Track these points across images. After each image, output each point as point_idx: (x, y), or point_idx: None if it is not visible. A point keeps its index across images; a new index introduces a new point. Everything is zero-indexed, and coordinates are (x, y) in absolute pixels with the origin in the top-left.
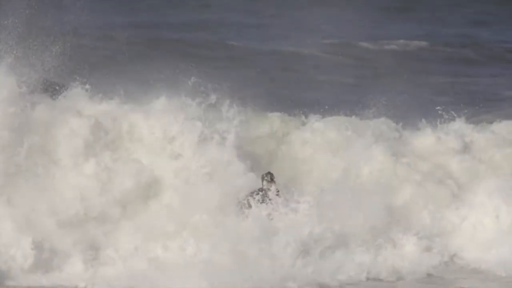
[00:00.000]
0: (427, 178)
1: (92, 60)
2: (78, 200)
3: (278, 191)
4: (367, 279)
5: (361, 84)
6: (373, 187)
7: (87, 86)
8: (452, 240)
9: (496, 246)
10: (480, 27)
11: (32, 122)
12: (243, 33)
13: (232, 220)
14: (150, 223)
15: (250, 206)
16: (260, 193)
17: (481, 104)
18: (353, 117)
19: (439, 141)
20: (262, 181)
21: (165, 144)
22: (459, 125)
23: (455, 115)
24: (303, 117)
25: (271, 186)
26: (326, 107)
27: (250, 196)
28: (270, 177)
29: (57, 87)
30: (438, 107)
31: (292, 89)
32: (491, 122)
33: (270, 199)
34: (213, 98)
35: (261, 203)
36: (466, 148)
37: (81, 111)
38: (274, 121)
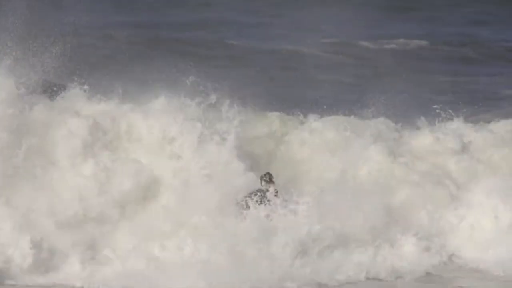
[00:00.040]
0: (426, 178)
1: (91, 60)
2: (76, 201)
3: (277, 192)
4: (366, 278)
5: (360, 84)
6: (372, 187)
7: (86, 87)
8: (451, 240)
9: (494, 246)
10: (479, 26)
11: (30, 123)
12: (243, 32)
13: (230, 220)
14: (148, 224)
15: (248, 207)
16: (259, 193)
17: (481, 103)
18: (352, 117)
19: (437, 141)
20: (261, 181)
21: (164, 145)
22: (457, 124)
23: (453, 114)
24: (302, 117)
25: (269, 187)
26: (325, 106)
27: (248, 197)
28: (268, 178)
29: (55, 88)
30: (437, 107)
31: (292, 88)
32: (490, 121)
33: (268, 200)
34: (212, 98)
35: (259, 204)
36: (464, 148)
37: (79, 112)
38: (273, 121)
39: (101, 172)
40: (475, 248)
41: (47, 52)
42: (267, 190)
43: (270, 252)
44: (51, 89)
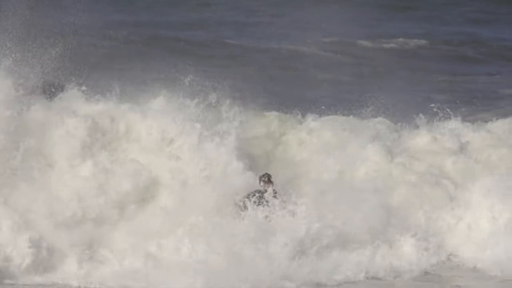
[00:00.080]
0: (423, 178)
1: (90, 59)
2: (75, 201)
3: (275, 192)
4: (365, 278)
5: (359, 83)
6: (370, 187)
7: (84, 88)
8: (449, 240)
9: (492, 246)
10: (479, 25)
11: (28, 124)
12: (242, 31)
13: (228, 221)
14: (146, 224)
15: (246, 208)
16: (257, 194)
17: (479, 103)
18: (351, 116)
19: (435, 141)
20: (260, 182)
21: (163, 145)
22: (455, 124)
23: (450, 113)
24: (300, 117)
25: (268, 187)
26: (323, 107)
27: (247, 198)
28: (267, 178)
29: (52, 89)
30: (436, 106)
31: (291, 87)
32: (488, 121)
33: (267, 201)
34: (211, 97)
35: (257, 205)
36: (462, 148)
37: (77, 112)
38: (272, 120)
39: (100, 173)
40: (473, 248)
41: (46, 53)
42: (266, 191)
43: (268, 252)
44: (50, 90)
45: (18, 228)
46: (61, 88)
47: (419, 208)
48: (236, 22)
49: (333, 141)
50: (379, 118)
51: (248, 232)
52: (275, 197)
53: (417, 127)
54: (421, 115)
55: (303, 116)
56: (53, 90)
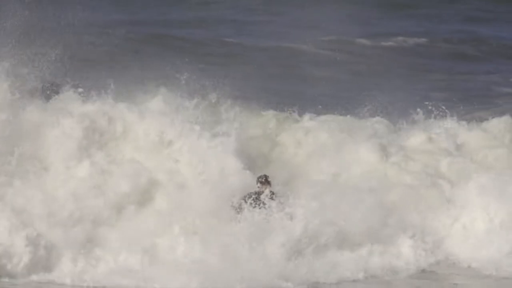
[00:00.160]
0: (420, 178)
1: (88, 59)
2: (71, 201)
3: (272, 194)
4: (363, 277)
5: (357, 81)
6: (367, 187)
7: (80, 90)
8: (445, 239)
9: (488, 245)
10: (478, 23)
11: (25, 126)
12: (241, 30)
13: (225, 222)
14: (143, 224)
15: (242, 210)
16: (253, 196)
17: (477, 101)
18: (348, 116)
19: (431, 141)
20: (257, 183)
21: (161, 146)
22: (451, 123)
23: (447, 111)
24: (298, 116)
25: (265, 189)
26: (320, 106)
27: (243, 199)
28: (264, 179)
29: (48, 92)
30: (433, 105)
31: (289, 85)
32: (484, 120)
33: (263, 203)
34: (211, 97)
35: (254, 207)
36: (457, 148)
37: (74, 112)
38: (269, 120)
39: (97, 173)
40: (469, 247)
41: (45, 54)
42: (262, 192)
43: (266, 251)
44: (51, 89)
45: (16, 226)
46: (58, 88)
47: (416, 208)
48: (235, 21)
49: (329, 142)
50: (377, 118)
51: (244, 232)
52: (272, 198)
53: (413, 126)
54: (418, 114)
55: (301, 115)
56: (48, 93)
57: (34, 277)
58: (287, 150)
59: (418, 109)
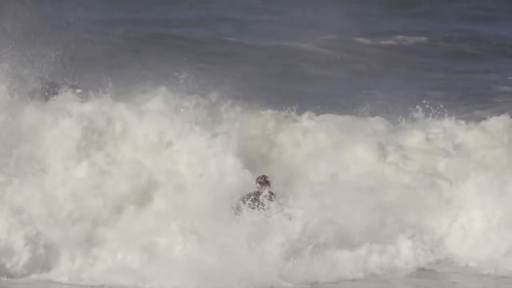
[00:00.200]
0: (418, 178)
1: (88, 57)
2: (70, 201)
3: (271, 194)
4: (363, 276)
5: (357, 80)
6: (365, 187)
7: (78, 90)
8: (443, 239)
9: (486, 244)
10: (478, 22)
11: (24, 126)
12: (241, 29)
13: (224, 222)
14: (141, 223)
15: (240, 211)
16: (252, 197)
17: (476, 100)
18: (347, 115)
19: (429, 141)
20: (256, 183)
21: (160, 146)
22: (450, 122)
23: (445, 111)
24: (297, 115)
25: (264, 189)
26: (318, 107)
27: (241, 200)
28: (263, 180)
29: (46, 93)
30: (432, 104)
31: (288, 84)
32: (483, 119)
33: (262, 204)
34: (210, 96)
35: (252, 208)
36: (455, 147)
37: (72, 112)
38: (268, 120)
39: (96, 173)
40: (467, 247)
41: (45, 56)
42: (261, 193)
43: (265, 251)
44: (46, 92)
45: (14, 226)
46: (56, 89)
47: (414, 207)
48: (235, 20)
49: (328, 142)
50: (376, 117)
51: (243, 232)
52: (270, 199)
53: (412, 126)
54: (417, 111)
55: (299, 114)
56: (46, 94)
57: (33, 276)
58: (286, 150)
59: (418, 106)
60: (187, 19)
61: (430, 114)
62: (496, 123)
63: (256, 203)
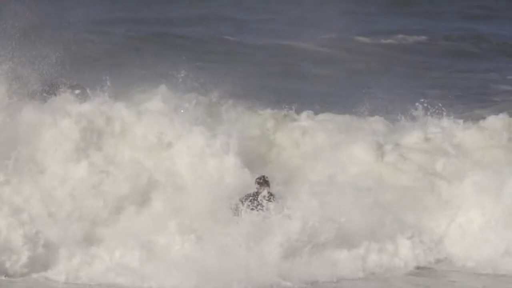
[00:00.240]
0: (417, 177)
1: (88, 57)
2: (69, 200)
3: (270, 195)
4: (362, 276)
5: (357, 79)
6: (364, 187)
7: (77, 91)
8: (442, 238)
9: (484, 244)
10: (478, 21)
11: (23, 127)
12: (241, 28)
13: (223, 222)
14: (141, 223)
15: (239, 212)
16: (250, 198)
17: (476, 99)
18: (347, 115)
19: (428, 140)
20: (256, 184)
21: (159, 146)
22: (448, 122)
23: (443, 109)
24: (296, 115)
25: (263, 190)
26: (318, 106)
27: (240, 201)
28: (262, 180)
29: (44, 94)
30: (431, 103)
31: (288, 83)
32: (482, 117)
33: (261, 205)
34: (211, 95)
35: (251, 209)
36: (454, 146)
37: (71, 112)
38: (267, 119)
39: (95, 173)
40: (465, 246)
41: (45, 57)
42: (260, 193)
43: (265, 250)
44: (44, 93)
45: (13, 225)
46: (57, 88)
47: (413, 207)
48: (235, 19)
49: (327, 142)
50: (376, 117)
51: (242, 231)
52: (269, 200)
53: (411, 125)
54: (417, 109)
55: (298, 113)
56: (44, 95)
57: (32, 275)
58: (284, 150)
59: (417, 104)
60: (188, 18)
61: (428, 113)
62: (494, 122)
63: (255, 204)
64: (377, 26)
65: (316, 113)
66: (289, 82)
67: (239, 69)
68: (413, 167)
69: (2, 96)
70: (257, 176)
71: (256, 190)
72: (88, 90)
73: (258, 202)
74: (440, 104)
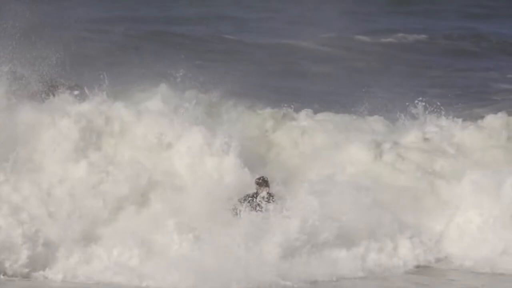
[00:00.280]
0: (416, 176)
1: (87, 56)
2: (68, 199)
3: (270, 196)
4: (362, 274)
5: (357, 78)
6: (363, 187)
7: (76, 92)
8: (441, 237)
9: (482, 243)
10: (478, 19)
11: (23, 126)
12: (241, 27)
13: (223, 222)
14: (140, 222)
15: (238, 212)
16: (249, 199)
17: (476, 97)
18: (346, 114)
19: (426, 140)
20: (255, 185)
21: (159, 146)
22: (448, 121)
23: (442, 108)
24: (294, 113)
25: (262, 191)
26: (317, 106)
27: (238, 202)
28: (262, 181)
29: (43, 95)
30: (430, 102)
31: (288, 82)
32: (482, 116)
33: (260, 206)
34: (211, 95)
35: (250, 210)
36: (453, 146)
37: (71, 112)
38: (266, 119)
39: (95, 173)
40: (464, 246)
41: (46, 58)
42: (259, 194)
43: (264, 250)
44: (43, 94)
45: (12, 224)
46: (56, 89)
47: (412, 206)
48: (235, 18)
49: (325, 142)
50: (375, 116)
51: (241, 231)
52: (268, 201)
53: (410, 124)
54: (417, 108)
55: (297, 112)
56: (43, 95)
57: (31, 274)
58: (283, 150)
59: (416, 101)
60: (188, 17)
61: (427, 112)
62: (493, 121)
63: (254, 205)
64: (377, 25)
65: (316, 112)
66: (289, 81)
67: (239, 68)
68: (412, 166)
69: (1, 97)
70: (257, 176)
71: (255, 191)
72: (86, 89)
73: (257, 203)
74: (438, 103)
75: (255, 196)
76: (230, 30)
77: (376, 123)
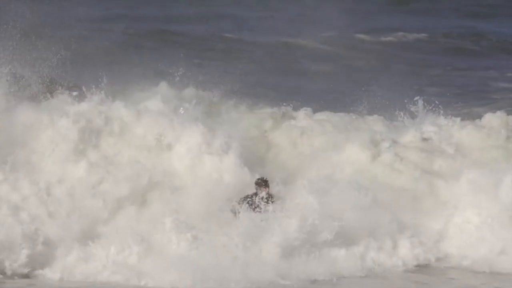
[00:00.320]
0: (415, 176)
1: (87, 55)
2: (67, 199)
3: (270, 196)
4: (362, 273)
5: (356, 76)
6: (362, 187)
7: (75, 93)
8: (440, 237)
9: (481, 243)
10: (478, 18)
11: (21, 127)
12: (241, 25)
13: (222, 222)
14: (138, 221)
15: (238, 213)
16: (248, 199)
17: (475, 96)
18: (345, 113)
19: (425, 140)
20: (255, 185)
21: (158, 147)
22: (446, 120)
23: (440, 107)
24: (293, 112)
25: (261, 192)
26: (317, 104)
27: (238, 203)
28: (261, 182)
29: (40, 96)
30: (430, 101)
31: (288, 81)
32: (481, 115)
33: (259, 207)
34: (211, 94)
35: (250, 211)
36: (452, 145)
37: (69, 112)
38: (265, 119)
39: (94, 173)
40: (463, 245)
41: (46, 59)
42: (258, 195)
43: (263, 250)
44: (44, 94)
45: (12, 223)
46: (54, 90)
47: (411, 205)
48: (234, 16)
49: (324, 142)
50: (374, 116)
51: (241, 230)
52: (267, 201)
53: (408, 123)
54: (417, 105)
55: (296, 111)
56: (40, 96)
57: (30, 273)
58: (282, 149)
59: (415, 99)
60: (187, 15)
61: (425, 111)
62: (492, 119)
63: (253, 206)
64: (377, 23)
65: (315, 111)
66: (289, 79)
67: (239, 67)
68: (410, 166)
69: (1, 99)
70: (257, 176)
71: (255, 191)
72: (83, 89)
73: (256, 204)
74: (437, 102)
75: (254, 196)
76: (230, 28)
77: (376, 122)
